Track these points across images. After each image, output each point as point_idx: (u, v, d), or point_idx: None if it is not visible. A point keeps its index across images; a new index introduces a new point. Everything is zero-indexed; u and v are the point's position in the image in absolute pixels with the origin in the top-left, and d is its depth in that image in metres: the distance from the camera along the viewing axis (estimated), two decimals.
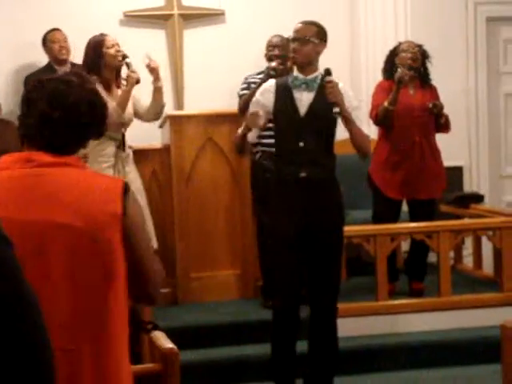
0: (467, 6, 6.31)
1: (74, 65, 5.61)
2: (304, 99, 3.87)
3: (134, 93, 4.70)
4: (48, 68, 5.57)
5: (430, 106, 4.93)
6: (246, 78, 5.16)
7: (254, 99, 4.02)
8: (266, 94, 3.94)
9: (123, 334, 1.91)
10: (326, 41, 3.92)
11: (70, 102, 1.89)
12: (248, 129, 3.88)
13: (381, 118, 4.95)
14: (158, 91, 4.78)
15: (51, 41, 5.65)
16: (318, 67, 3.92)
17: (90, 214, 1.83)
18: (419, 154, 5.00)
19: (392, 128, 4.97)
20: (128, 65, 4.62)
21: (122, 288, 1.88)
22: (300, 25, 3.91)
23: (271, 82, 4.02)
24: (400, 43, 5.18)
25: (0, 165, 1.87)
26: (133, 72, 4.59)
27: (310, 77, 3.88)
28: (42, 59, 5.74)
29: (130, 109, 4.72)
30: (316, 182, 3.83)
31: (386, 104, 4.87)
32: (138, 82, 4.61)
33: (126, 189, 1.89)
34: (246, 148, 4.04)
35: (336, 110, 3.84)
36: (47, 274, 1.80)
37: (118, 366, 1.88)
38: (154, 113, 4.84)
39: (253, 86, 4.90)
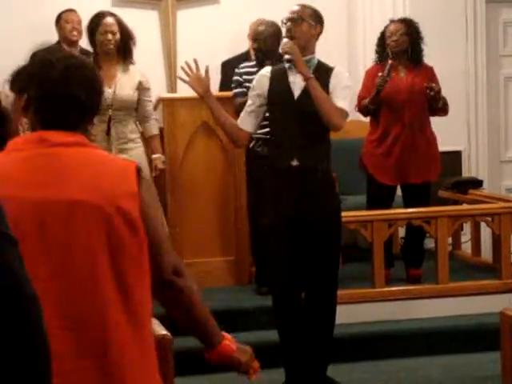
0: None
1: (83, 51, 5.53)
2: (298, 82, 3.82)
3: (146, 79, 4.76)
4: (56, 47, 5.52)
5: (426, 85, 4.83)
6: (237, 70, 5.08)
7: (251, 87, 3.98)
8: (261, 80, 3.90)
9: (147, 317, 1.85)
10: (321, 24, 3.87)
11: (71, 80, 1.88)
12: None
13: (361, 112, 5.03)
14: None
15: (65, 20, 5.63)
16: (314, 51, 3.87)
17: (106, 191, 1.81)
18: (409, 137, 4.93)
19: (377, 115, 4.96)
20: None
21: (143, 262, 1.82)
22: (295, 7, 3.87)
23: (267, 68, 3.98)
24: (389, 23, 5.07)
25: (12, 146, 1.87)
26: None
27: (304, 59, 3.80)
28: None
29: (128, 90, 4.65)
30: (308, 170, 3.77)
31: (366, 102, 4.88)
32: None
33: (139, 170, 1.87)
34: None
35: (288, 56, 3.76)
36: (65, 253, 1.76)
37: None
38: (139, 119, 4.80)
39: (244, 77, 4.88)
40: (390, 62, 4.83)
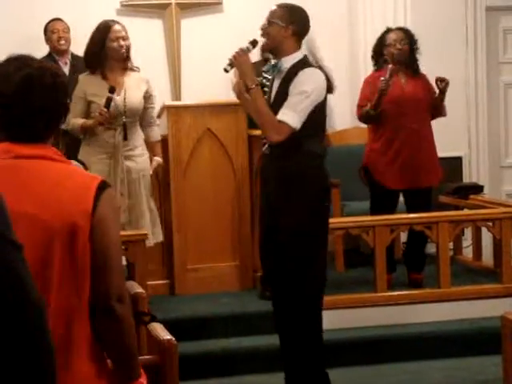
0: None
1: (75, 57, 5.56)
2: (275, 85, 3.70)
3: (151, 87, 4.77)
4: (48, 58, 5.42)
5: (437, 77, 4.86)
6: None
7: None
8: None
9: (85, 338, 1.83)
10: (297, 24, 3.64)
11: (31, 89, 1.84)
12: None
13: (364, 119, 5.04)
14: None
15: (51, 31, 5.61)
16: (292, 51, 3.64)
17: (60, 205, 1.78)
18: (412, 143, 4.95)
19: (378, 122, 4.96)
20: (109, 101, 4.46)
21: (86, 282, 1.81)
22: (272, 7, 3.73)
23: None
24: (387, 30, 5.09)
25: None
26: (106, 112, 4.45)
27: (274, 62, 3.71)
28: (45, 51, 5.66)
29: (137, 98, 4.67)
30: (279, 179, 3.62)
31: (368, 108, 4.88)
32: (102, 124, 4.50)
33: (101, 187, 1.83)
34: None
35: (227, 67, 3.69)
36: None
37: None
38: (142, 125, 4.80)
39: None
40: (390, 66, 4.83)
